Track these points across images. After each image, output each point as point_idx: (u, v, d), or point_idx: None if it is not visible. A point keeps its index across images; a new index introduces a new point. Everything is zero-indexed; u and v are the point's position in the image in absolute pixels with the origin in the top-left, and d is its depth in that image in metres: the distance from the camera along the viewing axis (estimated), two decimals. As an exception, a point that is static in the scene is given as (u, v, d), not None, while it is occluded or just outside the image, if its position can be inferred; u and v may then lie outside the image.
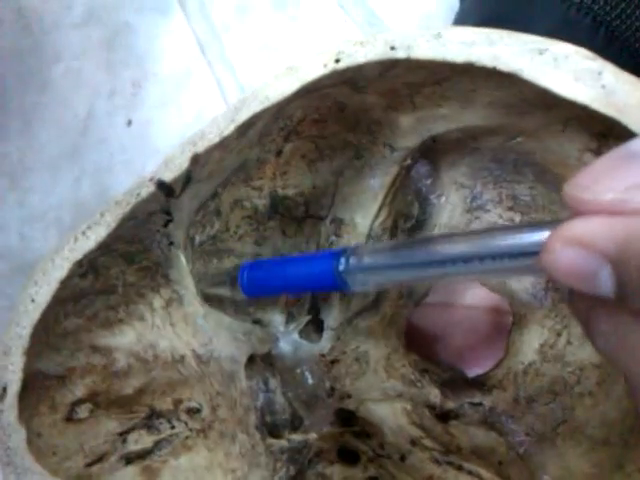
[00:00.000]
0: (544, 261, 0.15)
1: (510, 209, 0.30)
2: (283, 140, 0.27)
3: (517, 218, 0.30)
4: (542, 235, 0.17)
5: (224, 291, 0.28)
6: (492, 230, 0.20)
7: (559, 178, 0.27)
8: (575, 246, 0.14)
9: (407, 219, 0.31)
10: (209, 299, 0.28)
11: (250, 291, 0.27)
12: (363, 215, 0.29)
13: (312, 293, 0.31)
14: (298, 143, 0.27)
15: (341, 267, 0.24)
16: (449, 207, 0.31)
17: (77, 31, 0.43)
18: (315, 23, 0.39)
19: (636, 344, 0.15)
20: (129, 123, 0.41)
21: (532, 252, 0.17)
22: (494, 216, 0.31)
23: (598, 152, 0.24)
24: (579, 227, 0.14)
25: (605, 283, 0.14)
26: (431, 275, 0.22)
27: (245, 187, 0.28)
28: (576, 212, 0.15)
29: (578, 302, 0.17)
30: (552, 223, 0.17)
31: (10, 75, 0.42)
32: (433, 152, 0.29)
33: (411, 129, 0.26)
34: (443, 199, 0.31)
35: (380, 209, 0.29)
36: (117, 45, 0.42)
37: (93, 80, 0.42)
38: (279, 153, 0.27)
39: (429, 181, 0.31)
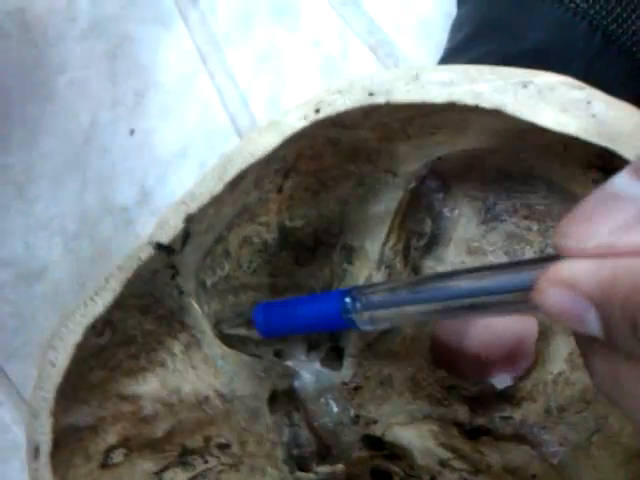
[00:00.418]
0: (536, 299, 0.15)
1: (526, 218, 0.29)
2: (282, 178, 0.26)
3: (535, 227, 0.29)
4: (533, 274, 0.17)
5: (242, 331, 0.29)
6: (492, 267, 0.20)
7: (569, 190, 0.26)
8: (562, 287, 0.14)
9: (420, 237, 0.30)
10: (230, 338, 0.28)
11: (266, 332, 0.27)
12: (372, 241, 0.29)
13: (329, 331, 0.31)
14: (298, 179, 0.27)
15: (347, 308, 0.24)
16: (463, 220, 0.30)
17: (81, 43, 0.43)
18: (315, 33, 0.38)
19: (626, 383, 0.14)
20: (132, 132, 0.41)
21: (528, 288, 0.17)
22: (510, 225, 0.30)
23: (604, 168, 0.23)
24: (565, 269, 0.14)
25: (593, 324, 0.14)
26: (435, 310, 0.22)
27: (252, 225, 0.28)
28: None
29: (577, 335, 0.17)
30: (543, 261, 0.17)
31: (16, 87, 0.43)
32: (440, 168, 0.28)
33: (410, 156, 0.26)
34: (456, 212, 0.30)
35: (389, 234, 0.29)
36: (120, 56, 0.43)
37: (97, 90, 0.42)
38: (280, 190, 0.27)
39: (441, 195, 0.30)
